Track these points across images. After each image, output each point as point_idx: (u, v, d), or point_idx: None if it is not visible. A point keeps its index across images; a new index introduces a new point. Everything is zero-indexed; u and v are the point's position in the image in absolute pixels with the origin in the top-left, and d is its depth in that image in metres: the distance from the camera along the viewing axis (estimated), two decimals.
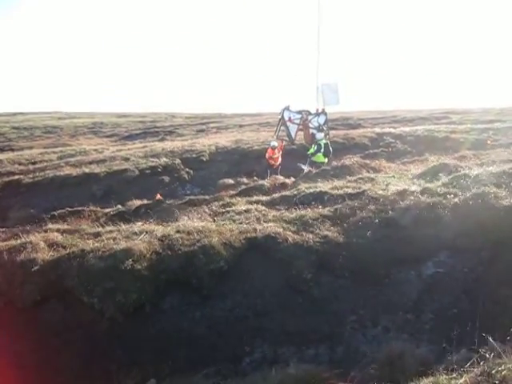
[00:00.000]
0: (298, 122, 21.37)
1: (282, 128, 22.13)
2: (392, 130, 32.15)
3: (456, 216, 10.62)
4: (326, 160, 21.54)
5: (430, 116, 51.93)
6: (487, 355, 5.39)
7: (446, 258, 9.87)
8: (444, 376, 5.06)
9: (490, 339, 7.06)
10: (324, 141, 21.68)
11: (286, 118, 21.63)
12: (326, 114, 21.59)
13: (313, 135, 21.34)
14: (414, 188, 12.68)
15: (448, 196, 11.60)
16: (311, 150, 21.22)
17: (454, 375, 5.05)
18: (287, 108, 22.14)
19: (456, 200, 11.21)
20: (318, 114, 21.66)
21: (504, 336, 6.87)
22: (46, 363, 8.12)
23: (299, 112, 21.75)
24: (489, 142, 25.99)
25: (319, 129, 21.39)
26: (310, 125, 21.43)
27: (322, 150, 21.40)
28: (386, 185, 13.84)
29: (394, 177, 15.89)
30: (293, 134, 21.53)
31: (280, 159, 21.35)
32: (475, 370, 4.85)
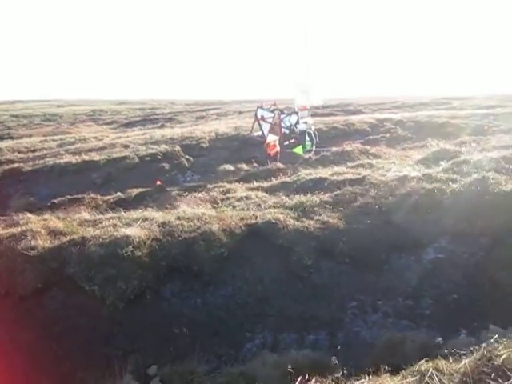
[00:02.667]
0: (270, 121, 21.32)
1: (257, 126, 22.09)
2: (392, 116, 32.08)
3: (456, 201, 10.63)
4: (314, 147, 21.49)
5: (430, 102, 51.78)
6: (487, 340, 5.39)
7: (446, 244, 9.88)
8: (444, 361, 5.07)
9: (491, 324, 7.10)
10: (307, 127, 21.70)
11: (259, 117, 21.61)
12: (297, 113, 21.49)
13: (285, 134, 21.31)
14: (414, 174, 12.68)
15: (448, 182, 11.61)
16: (307, 147, 21.29)
17: (454, 360, 5.05)
18: (261, 106, 22.18)
19: (456, 186, 11.21)
20: (289, 114, 21.59)
21: (504, 321, 6.89)
22: (47, 351, 8.14)
23: (272, 111, 21.72)
24: (485, 127, 25.90)
25: (290, 129, 21.31)
26: (282, 124, 21.36)
27: (307, 140, 21.43)
28: (387, 171, 13.84)
29: (394, 163, 15.89)
30: (265, 133, 21.47)
31: (278, 147, 21.28)
32: (475, 354, 4.86)
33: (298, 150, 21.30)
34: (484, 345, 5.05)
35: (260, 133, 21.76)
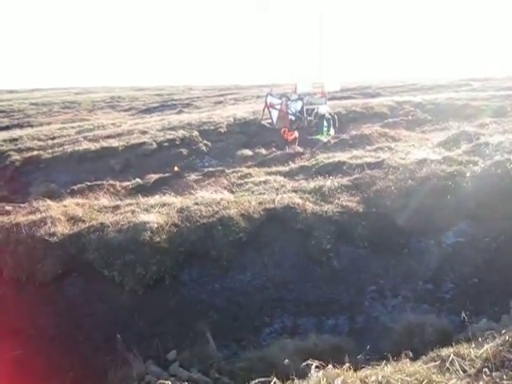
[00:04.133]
0: (278, 107, 21.19)
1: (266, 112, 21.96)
2: (412, 99, 31.64)
3: (477, 185, 10.49)
4: (333, 131, 21.31)
5: (450, 83, 51.06)
6: (509, 324, 5.32)
7: (466, 228, 9.77)
8: (465, 345, 5.01)
9: None
10: (326, 112, 21.51)
11: (268, 104, 21.49)
12: (302, 100, 21.29)
13: (291, 121, 21.16)
14: (433, 157, 12.53)
15: (469, 164, 11.46)
16: (325, 133, 21.11)
17: (476, 345, 4.98)
18: (270, 93, 22.07)
19: (477, 168, 11.06)
20: (295, 101, 21.39)
21: None
22: (67, 336, 8.22)
23: (280, 97, 21.58)
24: (509, 109, 25.47)
25: (296, 115, 21.13)
26: (289, 111, 21.20)
27: (326, 126, 21.22)
28: (406, 154, 13.71)
29: (413, 145, 15.75)
30: (274, 119, 21.35)
31: (296, 133, 21.16)
32: (496, 339, 4.78)
33: (320, 135, 21.19)
34: (506, 330, 4.98)
35: (269, 119, 21.68)
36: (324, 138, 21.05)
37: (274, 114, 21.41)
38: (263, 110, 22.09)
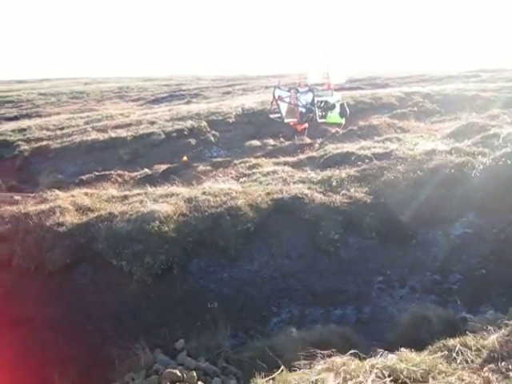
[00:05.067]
0: (287, 100, 21.08)
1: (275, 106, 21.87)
2: (420, 89, 31.48)
3: (485, 176, 10.46)
4: (343, 121, 21.24)
5: (459, 74, 50.80)
6: None
7: (474, 219, 9.76)
8: (471, 336, 5.02)
9: None
10: (339, 101, 21.42)
11: (276, 97, 21.40)
12: (312, 91, 21.16)
13: (301, 113, 21.04)
14: (442, 148, 12.51)
15: (477, 155, 11.43)
16: (328, 119, 21.03)
17: (481, 336, 5.00)
18: (278, 86, 21.98)
19: (485, 160, 11.03)
20: (305, 92, 21.25)
21: None
22: (76, 325, 8.27)
23: (288, 90, 21.49)
24: None
25: (307, 107, 21.00)
26: (299, 103, 21.09)
27: (338, 110, 21.11)
28: (414, 145, 13.68)
29: (422, 136, 15.70)
30: (283, 113, 21.26)
31: (306, 124, 21.10)
32: (503, 330, 4.80)
33: (333, 119, 21.08)
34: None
35: (278, 114, 21.61)
36: (342, 121, 21.04)
37: (283, 107, 21.32)
38: (271, 103, 22.06)
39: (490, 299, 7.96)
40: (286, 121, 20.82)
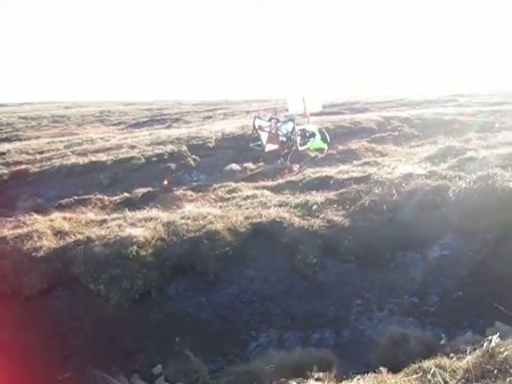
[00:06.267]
0: (267, 130, 21.43)
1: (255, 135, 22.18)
2: (399, 114, 31.88)
3: (461, 199, 10.58)
4: (326, 146, 21.58)
5: (437, 99, 51.53)
6: (492, 337, 5.37)
7: (451, 241, 9.84)
8: (446, 358, 5.06)
9: (496, 321, 7.07)
10: (316, 128, 21.90)
11: (257, 126, 21.73)
12: (293, 120, 21.56)
13: (282, 142, 21.45)
14: (419, 171, 12.64)
15: (454, 179, 11.58)
16: (311, 145, 21.41)
17: (457, 357, 5.04)
18: (257, 116, 22.34)
19: (462, 183, 11.16)
20: (285, 122, 21.63)
21: (510, 318, 6.85)
22: (52, 350, 8.17)
23: (269, 120, 21.84)
24: (497, 124, 25.76)
25: (287, 136, 21.39)
26: (279, 132, 21.46)
27: (319, 137, 21.53)
28: (392, 168, 13.81)
29: (400, 160, 15.87)
30: (263, 142, 21.59)
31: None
32: (477, 351, 4.84)
33: (316, 144, 21.47)
34: (487, 342, 5.03)
35: (258, 142, 21.89)
36: (325, 146, 21.32)
37: (264, 136, 21.62)
38: (252, 132, 22.31)
39: (467, 321, 8.01)
40: (266, 150, 21.06)
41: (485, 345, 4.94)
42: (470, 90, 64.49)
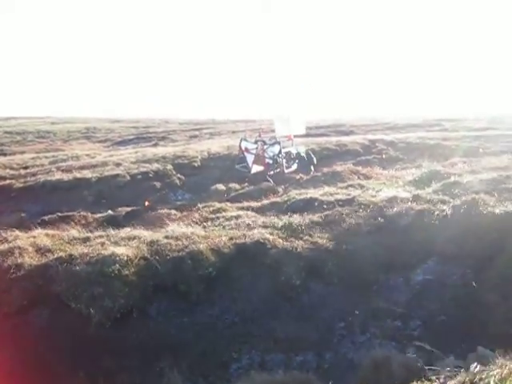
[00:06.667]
0: (254, 152, 21.68)
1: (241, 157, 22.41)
2: (384, 137, 32.17)
3: (445, 223, 10.66)
4: (312, 168, 21.80)
5: (422, 123, 52.04)
6: (474, 362, 5.36)
7: (434, 265, 9.88)
8: (427, 382, 5.04)
9: (479, 346, 7.08)
10: (303, 150, 22.18)
11: (243, 148, 21.98)
12: (279, 143, 21.86)
13: (268, 164, 21.74)
14: (404, 195, 12.73)
15: (438, 203, 11.66)
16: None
17: (438, 382, 5.02)
18: (244, 138, 22.62)
19: (446, 207, 11.25)
20: (272, 144, 21.93)
21: (492, 343, 6.86)
22: (31, 369, 8.04)
23: (256, 142, 22.10)
24: (481, 150, 26.06)
25: (274, 158, 21.67)
26: (266, 154, 21.72)
27: (306, 159, 21.82)
28: (377, 191, 13.89)
29: (384, 183, 15.96)
30: (250, 164, 21.82)
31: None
32: (458, 377, 4.82)
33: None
34: (469, 369, 5.02)
35: (244, 164, 22.06)
36: (312, 168, 21.57)
37: (250, 158, 21.80)
38: (238, 154, 22.47)
39: (449, 345, 7.99)
40: (252, 172, 21.21)
41: (465, 371, 4.93)
42: (455, 114, 65.34)
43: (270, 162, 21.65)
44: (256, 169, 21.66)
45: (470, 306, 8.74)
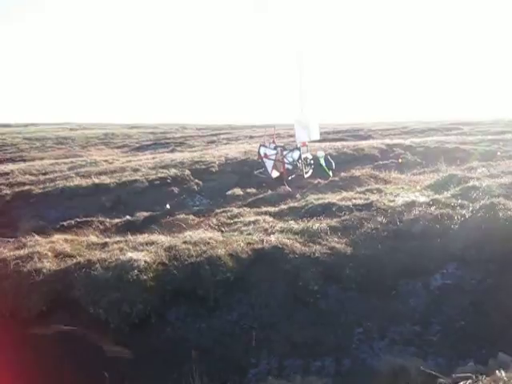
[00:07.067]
0: (273, 157, 21.74)
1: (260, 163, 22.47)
2: (402, 141, 31.95)
3: (464, 227, 10.56)
4: (331, 173, 21.80)
5: (440, 127, 51.73)
6: (495, 368, 5.31)
7: (454, 270, 9.79)
8: None
9: (499, 352, 6.99)
10: (323, 155, 22.22)
11: (262, 154, 22.04)
12: (299, 149, 21.90)
13: (287, 170, 21.84)
14: (422, 199, 12.63)
15: (457, 207, 11.56)
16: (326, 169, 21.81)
17: None
18: (263, 144, 22.68)
19: (464, 211, 11.15)
20: (291, 150, 22.00)
21: None
22: (50, 374, 8.10)
23: (275, 148, 22.16)
24: (499, 153, 25.79)
25: (293, 164, 21.74)
26: (285, 160, 21.80)
27: (324, 164, 21.84)
28: (395, 196, 13.80)
29: (402, 188, 15.85)
30: (269, 170, 21.90)
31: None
32: (480, 382, 4.77)
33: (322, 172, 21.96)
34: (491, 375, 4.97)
35: (262, 169, 22.14)
36: (330, 173, 21.62)
37: (269, 164, 21.88)
38: (257, 159, 22.55)
39: (469, 351, 7.92)
40: (272, 177, 21.33)
41: (488, 378, 4.88)
42: (472, 118, 64.90)
43: (290, 167, 21.73)
44: (276, 174, 21.74)
45: (489, 312, 8.64)
